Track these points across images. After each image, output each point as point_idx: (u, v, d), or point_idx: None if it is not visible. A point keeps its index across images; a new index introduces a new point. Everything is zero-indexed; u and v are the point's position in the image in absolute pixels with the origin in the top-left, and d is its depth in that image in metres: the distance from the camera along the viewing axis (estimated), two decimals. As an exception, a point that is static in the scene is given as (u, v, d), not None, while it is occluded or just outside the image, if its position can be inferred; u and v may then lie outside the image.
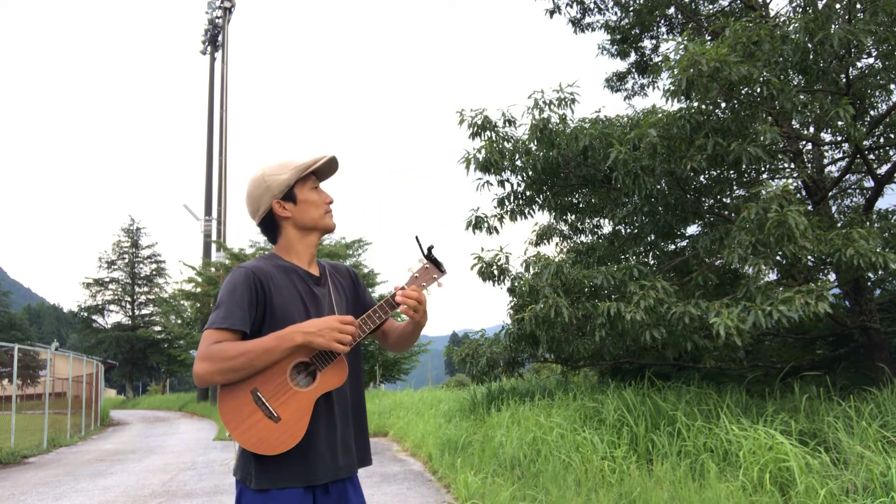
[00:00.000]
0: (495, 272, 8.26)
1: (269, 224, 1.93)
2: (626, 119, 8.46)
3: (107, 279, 45.20)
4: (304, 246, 1.93)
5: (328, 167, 1.96)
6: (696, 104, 6.73)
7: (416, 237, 1.92)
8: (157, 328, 43.08)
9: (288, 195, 1.89)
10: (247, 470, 1.77)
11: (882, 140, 8.47)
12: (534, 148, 8.03)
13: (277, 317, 1.80)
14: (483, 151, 8.08)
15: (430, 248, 1.89)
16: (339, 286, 2.02)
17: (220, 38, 30.80)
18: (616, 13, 11.07)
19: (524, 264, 8.13)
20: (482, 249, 8.31)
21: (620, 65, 13.27)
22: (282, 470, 1.74)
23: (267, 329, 1.79)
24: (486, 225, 8.89)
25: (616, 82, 12.50)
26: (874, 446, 4.52)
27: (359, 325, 1.83)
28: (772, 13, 8.85)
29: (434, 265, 1.89)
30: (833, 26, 6.47)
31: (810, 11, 6.89)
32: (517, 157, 8.15)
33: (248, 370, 1.71)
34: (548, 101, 7.96)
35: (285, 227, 1.92)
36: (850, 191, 10.04)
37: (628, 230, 9.31)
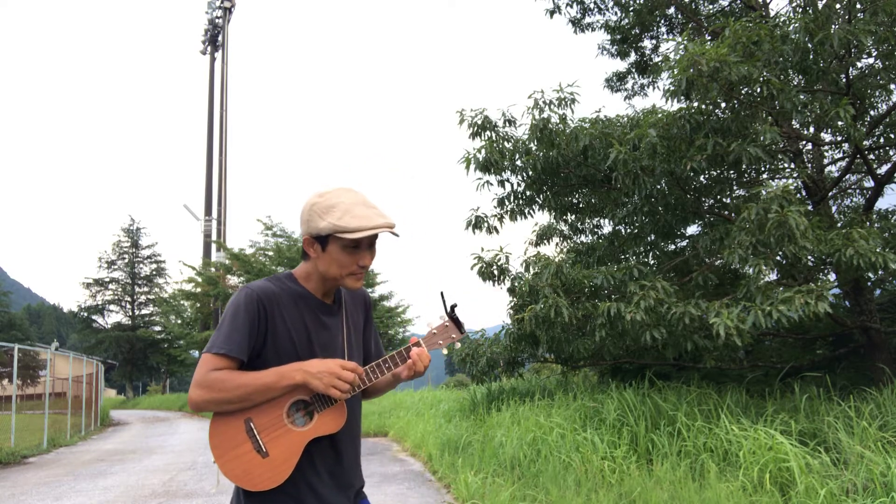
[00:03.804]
0: (495, 272, 8.26)
1: (303, 246, 1.84)
2: (626, 119, 8.45)
3: (107, 279, 45.21)
4: (321, 284, 1.83)
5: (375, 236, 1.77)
6: (696, 104, 6.73)
7: (441, 293, 1.86)
8: (157, 328, 43.13)
9: (320, 239, 1.75)
10: (238, 501, 1.74)
11: (882, 140, 8.47)
12: (534, 148, 8.03)
13: (279, 344, 1.74)
14: (483, 151, 8.08)
15: (453, 307, 1.84)
16: (351, 315, 1.94)
17: (220, 38, 30.81)
18: (616, 13, 11.07)
19: (524, 264, 8.13)
20: (482, 249, 8.31)
21: (620, 65, 13.28)
22: (271, 501, 1.70)
23: (268, 355, 1.74)
24: (486, 225, 8.89)
25: (616, 82, 12.50)
26: (874, 446, 4.52)
27: (364, 372, 1.76)
28: (772, 13, 8.85)
29: (455, 325, 1.84)
30: (833, 26, 6.47)
31: (810, 11, 6.89)
32: (517, 157, 8.15)
33: (245, 404, 1.67)
34: (548, 101, 7.96)
35: (311, 260, 1.82)
36: (850, 191, 10.03)
37: (628, 230, 9.31)
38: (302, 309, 1.79)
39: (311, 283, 1.83)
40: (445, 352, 1.87)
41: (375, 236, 1.76)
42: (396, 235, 1.78)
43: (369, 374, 1.77)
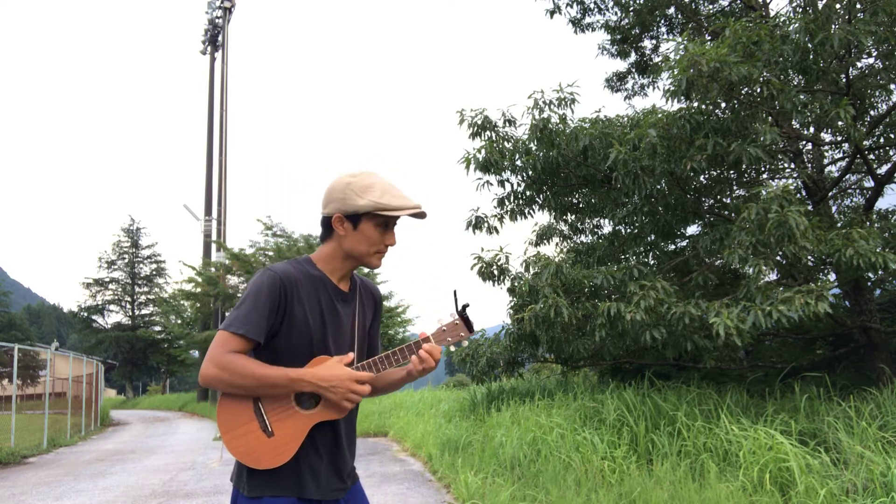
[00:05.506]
0: (495, 272, 8.26)
1: (325, 225, 1.89)
2: (626, 119, 8.45)
3: (107, 279, 45.22)
4: (341, 265, 1.89)
5: (410, 215, 1.89)
6: (696, 104, 6.73)
7: (454, 292, 1.92)
8: (157, 328, 43.10)
9: (353, 217, 1.82)
10: (240, 476, 1.78)
11: (882, 140, 8.47)
12: (534, 148, 8.03)
13: (295, 326, 1.78)
14: (483, 151, 8.08)
15: (465, 307, 1.89)
16: (364, 306, 1.98)
17: (220, 38, 30.82)
18: (616, 13, 11.07)
19: (524, 264, 8.13)
20: (482, 249, 8.31)
21: (620, 65, 13.29)
22: (273, 479, 1.74)
23: (282, 335, 1.78)
24: (486, 225, 8.89)
25: (616, 82, 12.50)
26: (874, 446, 4.52)
27: (373, 363, 1.83)
28: (772, 13, 8.85)
29: (465, 324, 1.88)
30: (833, 26, 6.47)
31: (810, 11, 6.89)
32: (517, 157, 8.15)
33: (249, 392, 1.73)
34: (548, 101, 7.96)
35: (334, 240, 1.87)
36: (850, 191, 10.03)
37: (628, 230, 9.31)
38: (320, 293, 1.84)
39: (330, 265, 1.88)
40: (453, 348, 1.90)
41: (397, 219, 1.87)
42: (424, 216, 1.88)
43: (378, 365, 1.84)
